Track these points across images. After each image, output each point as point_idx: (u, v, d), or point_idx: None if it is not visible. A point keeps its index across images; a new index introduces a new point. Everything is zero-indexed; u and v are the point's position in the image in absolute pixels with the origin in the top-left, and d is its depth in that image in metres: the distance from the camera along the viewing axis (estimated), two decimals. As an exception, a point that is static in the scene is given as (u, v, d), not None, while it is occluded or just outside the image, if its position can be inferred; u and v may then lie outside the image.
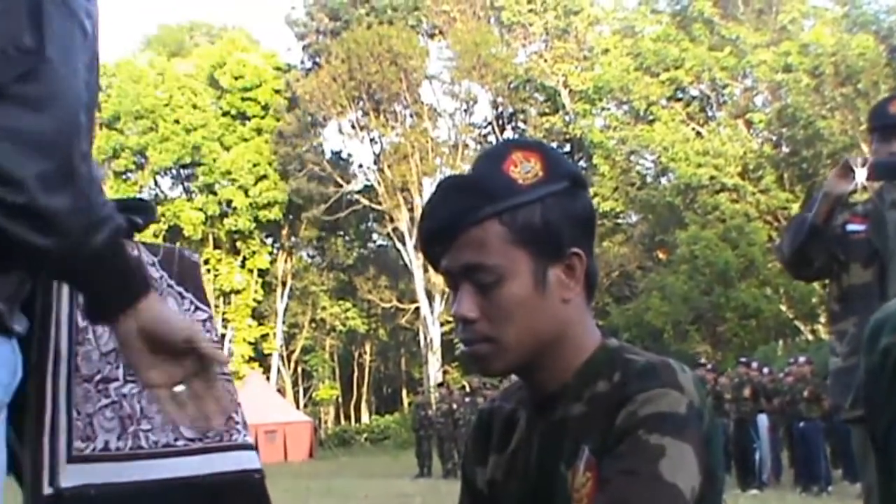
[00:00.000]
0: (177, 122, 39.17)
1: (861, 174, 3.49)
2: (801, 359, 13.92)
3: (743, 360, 15.40)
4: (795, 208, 31.05)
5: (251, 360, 41.27)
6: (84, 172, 1.24)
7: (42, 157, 1.19)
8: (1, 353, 1.27)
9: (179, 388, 1.38)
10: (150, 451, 1.91)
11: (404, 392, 42.64)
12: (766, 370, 14.52)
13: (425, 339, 37.90)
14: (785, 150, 32.46)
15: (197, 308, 1.92)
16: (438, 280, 36.40)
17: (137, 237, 2.03)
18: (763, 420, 13.48)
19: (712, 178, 31.17)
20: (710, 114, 34.53)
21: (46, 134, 1.19)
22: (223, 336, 40.77)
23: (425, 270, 37.00)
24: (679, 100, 33.96)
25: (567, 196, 1.41)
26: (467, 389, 21.57)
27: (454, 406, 20.21)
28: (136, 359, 1.36)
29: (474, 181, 1.43)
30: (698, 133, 32.73)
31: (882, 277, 3.55)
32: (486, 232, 1.37)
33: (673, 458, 1.27)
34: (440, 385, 24.91)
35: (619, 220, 35.61)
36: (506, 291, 1.38)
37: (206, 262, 40.39)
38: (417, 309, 38.64)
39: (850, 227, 3.66)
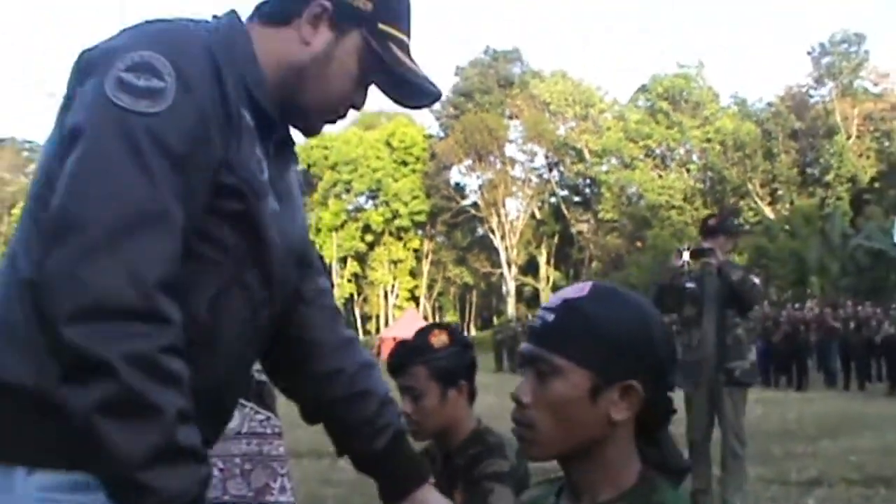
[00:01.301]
0: (368, 166, 41.16)
1: (686, 255, 3.98)
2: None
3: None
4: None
5: (408, 299, 43.42)
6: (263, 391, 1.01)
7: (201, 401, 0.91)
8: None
9: None
10: None
11: (494, 318, 40.27)
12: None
13: (504, 288, 39.86)
14: (707, 186, 35.38)
15: (258, 412, 1.68)
16: (514, 256, 39.15)
17: None
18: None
19: (667, 201, 34.30)
20: (666, 164, 36.61)
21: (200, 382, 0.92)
22: (392, 286, 42.99)
23: (506, 251, 38.75)
24: (649, 156, 36.41)
25: (461, 354, 1.58)
26: (528, 319, 20.66)
27: (519, 329, 21.32)
28: None
29: (413, 344, 1.58)
30: (660, 175, 35.78)
31: (700, 313, 4.03)
32: (417, 370, 1.55)
33: (497, 493, 1.46)
34: (510, 320, 27.44)
35: (615, 224, 36.92)
36: (425, 402, 1.56)
37: (384, 244, 42.05)
38: (501, 273, 39.98)
39: (688, 284, 4.06)
